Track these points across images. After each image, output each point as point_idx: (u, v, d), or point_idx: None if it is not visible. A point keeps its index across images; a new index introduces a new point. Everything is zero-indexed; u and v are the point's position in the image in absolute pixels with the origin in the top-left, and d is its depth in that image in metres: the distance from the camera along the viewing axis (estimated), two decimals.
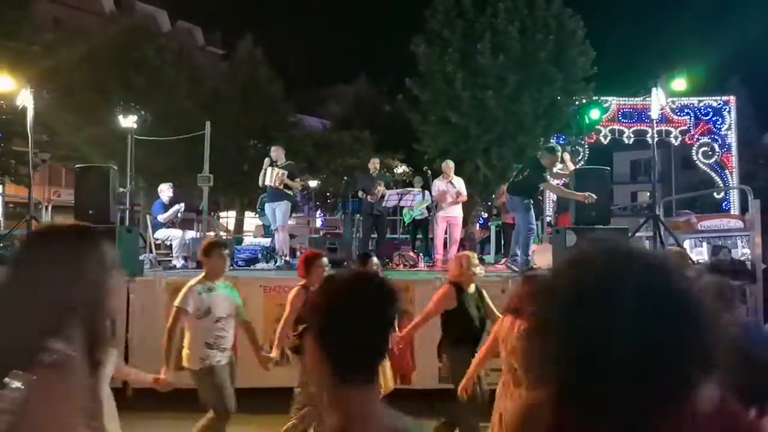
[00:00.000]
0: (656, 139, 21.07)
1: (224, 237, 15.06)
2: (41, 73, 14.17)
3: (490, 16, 16.09)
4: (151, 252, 8.89)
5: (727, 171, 19.78)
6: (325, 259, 4.83)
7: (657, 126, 19.04)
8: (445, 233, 8.99)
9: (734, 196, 19.48)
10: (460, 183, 8.83)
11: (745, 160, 22.52)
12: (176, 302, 4.26)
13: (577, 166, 12.16)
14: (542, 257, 8.39)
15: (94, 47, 19.12)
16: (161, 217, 8.91)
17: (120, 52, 19.11)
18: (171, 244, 8.98)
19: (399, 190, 9.04)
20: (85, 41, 19.50)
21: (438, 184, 8.78)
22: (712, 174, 20.10)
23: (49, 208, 10.88)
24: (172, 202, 9.14)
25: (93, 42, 19.46)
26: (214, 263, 4.32)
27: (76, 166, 7.70)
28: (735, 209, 18.64)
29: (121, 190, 8.61)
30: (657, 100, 8.07)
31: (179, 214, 9.23)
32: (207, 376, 4.19)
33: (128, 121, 10.98)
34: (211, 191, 14.62)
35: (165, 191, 9.08)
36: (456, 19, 16.53)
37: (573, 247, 6.14)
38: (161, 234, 8.97)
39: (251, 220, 24.82)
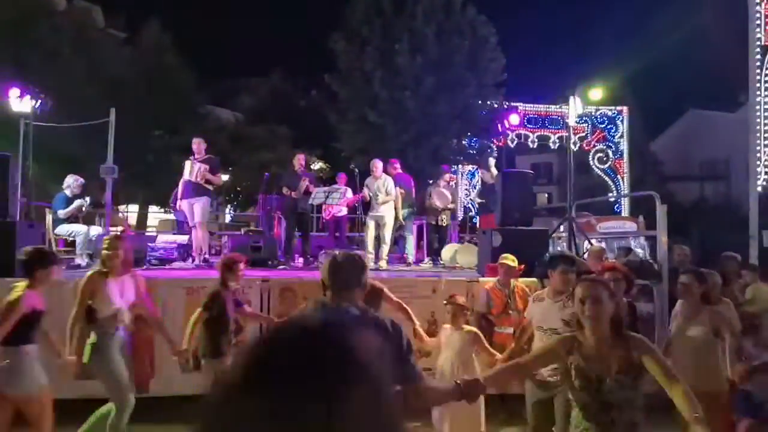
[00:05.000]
0: (557, 145, 22.41)
1: (126, 232, 14.12)
2: None
3: (409, 17, 16.31)
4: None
5: (619, 176, 21.45)
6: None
7: (558, 132, 20.40)
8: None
9: (625, 200, 21.16)
10: (388, 182, 8.62)
11: (635, 166, 24.44)
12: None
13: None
14: (465, 257, 8.63)
15: None
16: (62, 212, 8.19)
17: (11, 30, 17.36)
18: (74, 241, 8.28)
19: (326, 188, 8.85)
20: None
21: (366, 183, 8.62)
22: (606, 178, 21.70)
23: None
24: (79, 197, 8.40)
25: None
26: (555, 279, 4.36)
27: None
28: (625, 212, 20.27)
29: (19, 181, 7.80)
30: (575, 108, 8.53)
31: (84, 209, 8.53)
32: None
33: (23, 105, 10.02)
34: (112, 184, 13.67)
35: (71, 184, 8.32)
36: (375, 18, 16.60)
37: (499, 248, 6.36)
38: (63, 230, 8.25)
39: (155, 215, 23.49)
